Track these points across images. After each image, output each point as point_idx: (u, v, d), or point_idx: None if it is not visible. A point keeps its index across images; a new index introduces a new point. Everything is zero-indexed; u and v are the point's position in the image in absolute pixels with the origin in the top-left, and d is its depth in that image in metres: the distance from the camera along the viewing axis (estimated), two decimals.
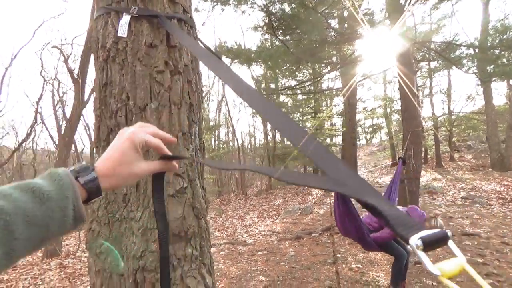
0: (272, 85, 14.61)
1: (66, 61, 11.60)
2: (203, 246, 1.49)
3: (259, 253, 6.61)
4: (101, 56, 1.47)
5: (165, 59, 1.42)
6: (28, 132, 16.93)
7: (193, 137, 1.48)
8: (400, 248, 3.63)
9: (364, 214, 3.94)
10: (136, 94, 1.40)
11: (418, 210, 3.56)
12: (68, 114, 14.56)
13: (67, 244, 9.42)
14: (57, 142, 17.03)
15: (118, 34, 1.41)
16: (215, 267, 5.89)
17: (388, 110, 20.16)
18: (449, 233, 0.40)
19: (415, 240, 0.38)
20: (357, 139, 17.32)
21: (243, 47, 9.83)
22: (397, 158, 4.83)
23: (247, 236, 8.35)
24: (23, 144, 17.25)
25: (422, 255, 0.37)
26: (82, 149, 19.76)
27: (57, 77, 16.28)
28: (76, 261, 7.35)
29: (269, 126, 17.31)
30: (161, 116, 1.39)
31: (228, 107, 18.38)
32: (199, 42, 1.59)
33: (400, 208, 3.71)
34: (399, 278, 3.70)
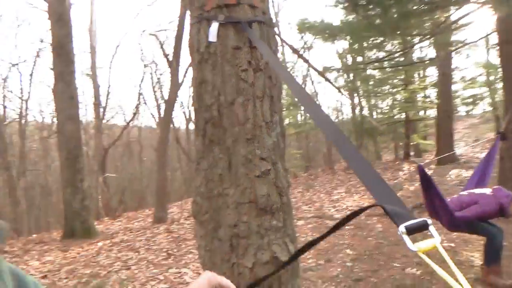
0: (360, 59, 14.13)
1: (161, 47, 12.67)
2: (286, 220, 1.72)
3: (346, 227, 6.74)
4: (196, 58, 1.75)
5: (248, 59, 1.64)
6: (134, 112, 18.94)
7: (274, 125, 1.70)
8: (490, 228, 3.47)
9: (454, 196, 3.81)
10: (225, 90, 1.66)
11: (503, 190, 3.37)
12: (165, 95, 15.95)
13: (171, 212, 10.57)
14: (157, 120, 18.84)
15: (209, 40, 1.67)
16: (303, 239, 6.20)
17: (492, 78, 18.10)
18: (429, 221, 0.55)
19: (401, 228, 0.55)
20: (454, 111, 15.93)
21: (325, 23, 9.66)
22: (497, 132, 4.48)
23: (334, 211, 8.50)
24: (130, 123, 19.31)
25: (405, 238, 0.54)
26: (179, 127, 21.47)
27: (154, 60, 17.74)
28: (180, 227, 8.27)
29: (356, 99, 16.86)
30: (246, 109, 1.63)
31: (313, 82, 18.23)
32: (279, 39, 1.78)
33: (489, 189, 3.52)
34: (491, 260, 3.55)
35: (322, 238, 0.77)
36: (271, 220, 1.65)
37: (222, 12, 1.66)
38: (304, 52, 16.29)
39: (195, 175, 1.84)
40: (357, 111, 16.94)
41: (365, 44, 11.35)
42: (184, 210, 10.07)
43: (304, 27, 10.73)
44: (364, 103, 17.38)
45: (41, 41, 15.99)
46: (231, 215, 1.64)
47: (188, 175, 18.76)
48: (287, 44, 1.86)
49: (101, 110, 16.90)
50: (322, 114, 0.99)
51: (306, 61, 2.11)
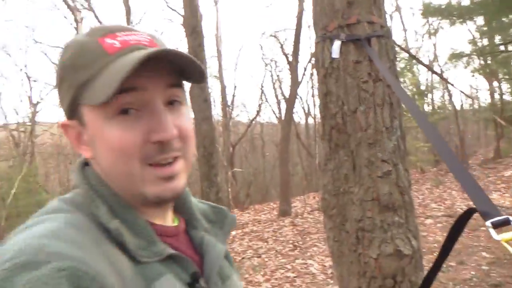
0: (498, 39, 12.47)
1: (281, 47, 13.26)
2: (408, 217, 1.86)
3: (482, 228, 6.21)
4: (321, 72, 2.00)
5: (368, 71, 1.83)
6: (257, 109, 20.12)
7: (394, 130, 1.85)
8: None
9: None
10: (348, 100, 1.87)
11: None
12: (285, 92, 16.60)
13: (294, 206, 11.07)
14: (278, 116, 19.70)
15: (332, 56, 1.90)
16: (431, 239, 5.95)
17: None
18: (511, 218, 0.69)
19: (488, 223, 0.71)
20: None
21: (452, 4, 8.87)
22: None
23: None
24: (254, 120, 20.57)
25: (491, 231, 0.70)
26: (299, 122, 22.00)
27: (274, 59, 18.58)
28: (304, 221, 8.67)
29: (495, 83, 14.92)
30: (368, 116, 1.82)
31: (440, 67, 16.72)
32: (397, 47, 1.92)
33: None
34: None
35: (435, 270, 0.91)
36: (393, 216, 1.81)
37: (343, 31, 1.88)
38: (429, 37, 15.10)
39: (322, 175, 2.10)
40: (496, 96, 15.01)
41: (504, 21, 10.04)
42: (307, 204, 10.46)
43: (428, 11, 10.03)
44: (505, 87, 15.30)
45: None
46: (356, 210, 1.85)
47: (308, 170, 19.17)
48: (404, 50, 1.98)
49: (228, 109, 18.44)
50: (427, 122, 1.14)
51: (424, 64, 2.18)
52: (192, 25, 9.29)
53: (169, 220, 0.64)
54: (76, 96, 0.55)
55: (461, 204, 8.43)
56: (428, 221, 7.13)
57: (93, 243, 0.49)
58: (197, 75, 0.58)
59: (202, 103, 9.20)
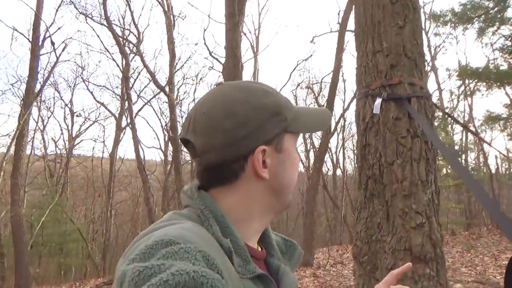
0: None
1: (316, 98, 13.61)
2: (439, 270, 1.91)
3: None
4: (362, 126, 2.16)
5: (407, 127, 1.97)
6: None
7: (429, 184, 1.95)
8: None
9: None
10: (386, 153, 2.01)
11: None
12: (315, 142, 16.76)
13: (317, 258, 10.82)
14: (306, 165, 19.72)
15: (374, 112, 2.07)
16: None
17: None
18: None
19: None
20: None
21: (490, 68, 8.99)
22: None
23: (500, 278, 7.45)
24: None
25: None
26: (326, 173, 21.88)
27: None
28: (326, 273, 8.45)
29: None
30: (404, 169, 1.94)
31: (476, 128, 16.50)
32: (435, 108, 2.06)
33: None
34: None
35: None
36: (425, 268, 1.87)
37: (385, 90, 2.05)
38: (465, 98, 15.09)
39: (356, 223, 2.19)
40: None
41: None
42: (330, 256, 10.22)
43: (465, 73, 10.17)
44: None
45: None
46: (387, 259, 1.93)
47: (333, 222, 18.79)
48: (441, 109, 2.12)
49: None
50: (472, 177, 1.25)
51: (460, 123, 2.30)
52: (233, 75, 9.82)
53: (256, 244, 0.76)
54: (286, 127, 0.73)
55: (494, 271, 8.01)
56: (457, 285, 6.81)
57: (213, 245, 0.60)
58: None
59: None
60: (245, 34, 15.99)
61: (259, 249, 0.76)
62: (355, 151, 2.28)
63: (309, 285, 7.42)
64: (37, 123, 17.52)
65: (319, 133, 15.01)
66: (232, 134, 0.68)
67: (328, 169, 22.50)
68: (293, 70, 15.89)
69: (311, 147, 19.00)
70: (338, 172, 19.92)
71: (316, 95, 13.89)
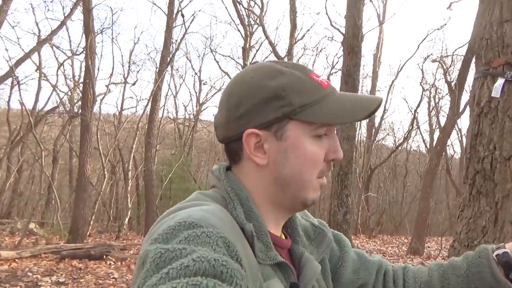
0: None
1: (445, 73, 12.12)
2: None
3: None
4: (476, 111, 1.83)
5: None
6: (405, 135, 18.86)
7: None
8: None
9: None
10: (502, 145, 1.67)
11: None
12: (441, 122, 15.10)
13: (429, 246, 10.03)
14: (428, 147, 18.02)
15: (492, 95, 1.72)
16: None
17: None
18: None
19: None
20: None
21: None
22: None
23: None
24: (400, 146, 19.31)
25: None
26: (453, 156, 19.76)
27: (435, 84, 17.07)
28: None
29: None
30: None
31: None
32: None
33: None
34: None
35: None
36: None
37: (510, 68, 1.68)
38: None
39: (457, 221, 1.91)
40: None
41: None
42: (444, 247, 9.35)
43: None
44: None
45: (332, 67, 18.40)
46: None
47: (454, 211, 17.03)
48: None
49: (374, 130, 17.77)
50: None
51: None
52: (352, 45, 9.33)
53: (279, 231, 0.74)
54: (291, 113, 0.65)
55: None
56: None
57: (235, 229, 0.60)
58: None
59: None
60: (371, 1, 14.90)
61: (283, 237, 0.74)
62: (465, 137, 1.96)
63: None
64: (169, 89, 19.56)
65: (446, 111, 13.46)
66: (231, 113, 0.69)
67: (455, 152, 20.26)
68: (422, 41, 14.40)
69: (437, 126, 17.21)
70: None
71: (446, 69, 12.32)
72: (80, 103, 10.80)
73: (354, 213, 15.00)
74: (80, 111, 10.23)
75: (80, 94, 10.83)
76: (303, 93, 0.66)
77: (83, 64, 12.48)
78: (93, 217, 11.13)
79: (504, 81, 1.68)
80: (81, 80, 11.69)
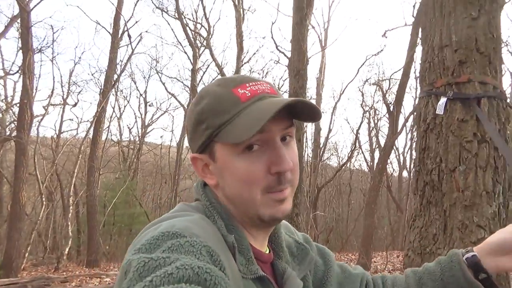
0: None
1: (383, 96, 12.99)
2: None
3: None
4: (422, 127, 1.99)
5: (474, 131, 1.77)
6: (349, 155, 19.71)
7: (496, 196, 1.74)
8: None
9: None
10: (447, 158, 1.82)
11: None
12: (381, 141, 16.05)
13: (374, 262, 10.40)
14: (369, 165, 18.97)
15: (436, 112, 1.89)
16: None
17: None
18: None
19: None
20: None
21: None
22: None
23: None
24: (344, 165, 20.11)
25: None
26: (392, 173, 20.90)
27: (374, 106, 18.18)
28: None
29: None
30: (467, 177, 1.75)
31: None
32: (510, 110, 1.83)
33: None
34: None
35: None
36: None
37: (451, 88, 1.86)
38: None
39: (409, 231, 2.03)
40: None
41: None
42: (389, 262, 9.76)
43: None
44: None
45: (278, 89, 18.90)
46: None
47: (395, 226, 17.94)
48: None
49: (319, 151, 18.38)
50: None
51: None
52: (298, 68, 9.71)
53: (264, 246, 0.74)
54: (212, 135, 0.65)
55: None
56: None
57: (218, 240, 0.61)
58: (313, 118, 0.70)
59: (295, 143, 9.41)
60: (313, 27, 15.72)
61: (267, 251, 0.74)
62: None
63: None
64: (113, 110, 18.89)
65: (385, 131, 14.30)
66: (187, 139, 0.73)
67: (394, 170, 21.49)
68: (362, 65, 15.38)
69: (377, 146, 18.24)
70: (405, 173, 18.92)
71: (384, 92, 13.24)
72: (13, 125, 10.08)
73: (304, 232, 15.21)
74: (14, 133, 9.54)
75: (14, 116, 10.13)
76: (218, 114, 0.65)
77: (18, 84, 11.75)
78: (28, 249, 10.25)
79: (446, 100, 1.85)
80: (15, 101, 10.96)
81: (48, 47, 13.00)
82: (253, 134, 0.61)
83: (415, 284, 0.85)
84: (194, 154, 0.70)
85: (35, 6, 9.21)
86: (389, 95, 14.25)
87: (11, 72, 13.05)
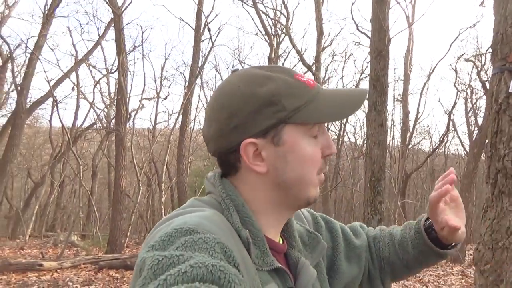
0: None
1: (479, 73, 11.63)
2: None
3: None
4: (494, 108, 1.77)
5: None
6: (441, 138, 18.18)
7: None
8: None
9: None
10: None
11: None
12: (479, 122, 14.45)
13: (470, 254, 9.54)
14: (467, 150, 17.28)
15: (510, 90, 1.67)
16: None
17: None
18: None
19: None
20: None
21: None
22: None
23: None
24: (436, 150, 18.63)
25: None
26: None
27: (471, 84, 16.39)
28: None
29: None
30: None
31: None
32: None
33: None
34: None
35: None
36: None
37: None
38: None
39: (481, 222, 1.84)
40: None
41: None
42: None
43: None
44: None
45: (361, 72, 18.13)
46: None
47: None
48: None
49: (408, 135, 17.26)
50: None
51: None
52: (379, 49, 9.18)
53: (278, 236, 0.73)
54: (287, 117, 0.66)
55: None
56: None
57: (232, 235, 0.61)
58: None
59: (377, 127, 8.95)
60: (398, 3, 14.59)
61: (281, 241, 0.74)
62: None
63: (454, 283, 6.63)
64: (200, 101, 19.92)
65: (482, 112, 12.88)
66: (223, 126, 0.68)
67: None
68: (454, 40, 13.84)
69: (475, 128, 16.48)
70: None
71: (479, 68, 11.82)
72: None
73: (391, 220, 14.56)
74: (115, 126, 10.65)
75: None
76: (293, 96, 0.66)
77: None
78: (129, 229, 11.45)
79: None
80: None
81: (140, 46, 14.15)
82: (343, 117, 0.71)
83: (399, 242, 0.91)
84: (249, 139, 0.66)
85: (125, 8, 10.06)
86: (487, 71, 12.70)
87: (112, 70, 14.55)
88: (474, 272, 1.84)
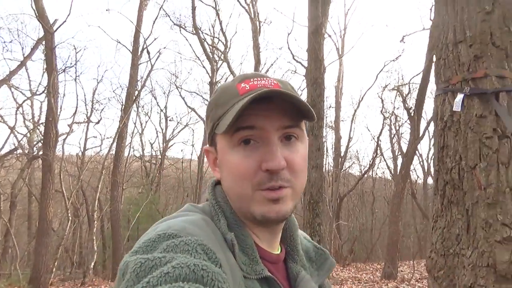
0: None
1: (404, 101, 12.78)
2: None
3: None
4: (440, 125, 1.94)
5: (493, 126, 1.72)
6: (370, 162, 19.39)
7: None
8: None
9: None
10: (467, 155, 1.77)
11: None
12: (403, 147, 15.72)
13: (401, 271, 10.11)
14: (392, 172, 18.55)
15: (454, 109, 1.85)
16: None
17: None
18: None
19: None
20: None
21: None
22: None
23: None
24: (366, 174, 19.77)
25: None
26: (416, 181, 20.40)
27: (394, 112, 17.87)
28: None
29: None
30: (489, 174, 1.69)
31: None
32: None
33: None
34: None
35: None
36: None
37: (467, 84, 1.82)
38: None
39: (431, 232, 1.97)
40: None
41: None
42: (416, 270, 9.47)
43: None
44: None
45: None
46: (467, 276, 1.69)
47: (422, 234, 17.43)
48: None
49: (341, 160, 18.16)
50: None
51: None
52: (315, 77, 9.70)
53: (275, 247, 0.72)
54: (214, 126, 0.67)
55: None
56: None
57: (217, 239, 0.61)
58: (309, 114, 0.66)
59: (315, 151, 9.33)
60: (329, 36, 15.69)
61: (279, 251, 0.72)
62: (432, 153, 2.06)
63: None
64: (135, 126, 19.27)
65: (407, 137, 14.02)
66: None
67: (418, 177, 20.99)
68: (380, 71, 15.18)
69: (399, 153, 17.86)
70: (430, 180, 18.44)
71: (404, 97, 13.02)
72: (40, 144, 10.42)
73: (327, 242, 14.98)
74: (41, 152, 9.85)
75: (40, 135, 10.48)
76: (219, 106, 0.67)
77: (44, 104, 12.19)
78: (55, 263, 10.45)
79: (463, 96, 1.81)
80: (41, 120, 11.36)
81: (72, 67, 13.44)
82: (229, 124, 0.60)
83: None
84: (206, 146, 0.72)
85: (58, 27, 9.54)
86: (409, 100, 14.01)
87: (37, 92, 13.55)
88: (427, 280, 1.95)
